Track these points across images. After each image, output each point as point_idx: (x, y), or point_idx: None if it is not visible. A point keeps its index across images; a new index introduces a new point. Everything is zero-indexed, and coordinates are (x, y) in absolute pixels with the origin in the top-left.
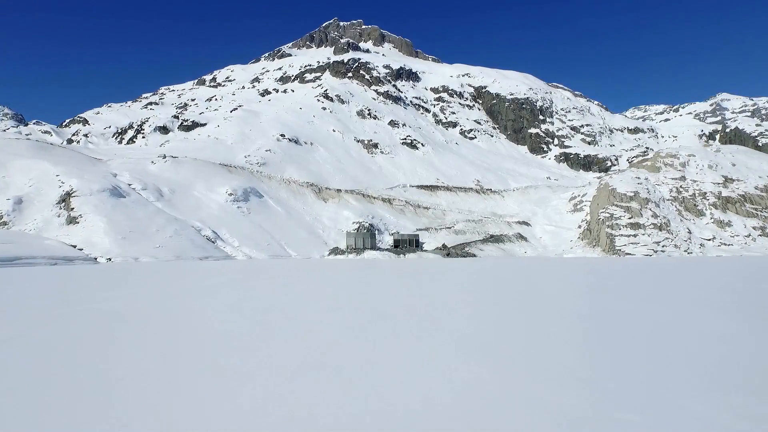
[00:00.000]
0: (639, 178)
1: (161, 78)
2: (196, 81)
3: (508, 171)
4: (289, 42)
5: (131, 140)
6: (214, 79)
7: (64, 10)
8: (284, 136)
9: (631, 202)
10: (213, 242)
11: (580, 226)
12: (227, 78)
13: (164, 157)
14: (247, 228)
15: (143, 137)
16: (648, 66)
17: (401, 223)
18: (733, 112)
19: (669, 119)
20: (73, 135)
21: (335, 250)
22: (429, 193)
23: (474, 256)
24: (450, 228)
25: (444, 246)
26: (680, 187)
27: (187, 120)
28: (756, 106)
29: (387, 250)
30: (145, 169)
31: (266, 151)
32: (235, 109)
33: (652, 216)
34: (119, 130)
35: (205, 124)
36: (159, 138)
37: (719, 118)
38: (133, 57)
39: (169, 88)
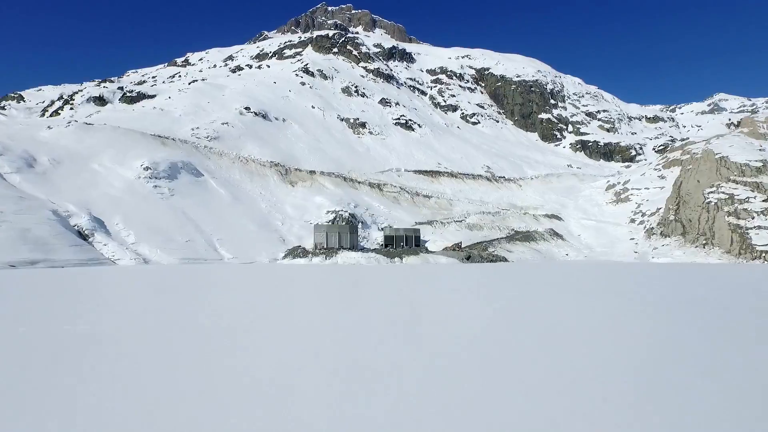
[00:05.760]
0: (753, 143)
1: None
2: (167, 63)
3: (521, 158)
4: (275, 30)
5: (56, 112)
6: (186, 61)
7: (58, 7)
8: (249, 109)
9: (759, 176)
10: (85, 237)
11: (633, 219)
12: (200, 59)
13: (69, 122)
14: (159, 216)
15: (71, 108)
16: (643, 67)
17: (395, 214)
18: (731, 112)
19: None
20: None
21: (295, 251)
22: (430, 179)
23: (504, 259)
24: (461, 221)
25: (459, 246)
26: None
27: (131, 91)
28: (754, 106)
29: (374, 250)
30: (32, 135)
31: (222, 124)
32: (194, 81)
33: None
34: (50, 103)
35: (153, 96)
36: (91, 110)
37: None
38: (118, 52)
39: (135, 71)
